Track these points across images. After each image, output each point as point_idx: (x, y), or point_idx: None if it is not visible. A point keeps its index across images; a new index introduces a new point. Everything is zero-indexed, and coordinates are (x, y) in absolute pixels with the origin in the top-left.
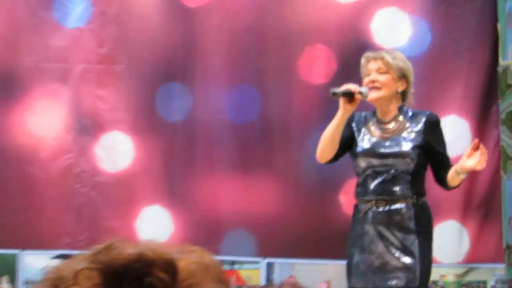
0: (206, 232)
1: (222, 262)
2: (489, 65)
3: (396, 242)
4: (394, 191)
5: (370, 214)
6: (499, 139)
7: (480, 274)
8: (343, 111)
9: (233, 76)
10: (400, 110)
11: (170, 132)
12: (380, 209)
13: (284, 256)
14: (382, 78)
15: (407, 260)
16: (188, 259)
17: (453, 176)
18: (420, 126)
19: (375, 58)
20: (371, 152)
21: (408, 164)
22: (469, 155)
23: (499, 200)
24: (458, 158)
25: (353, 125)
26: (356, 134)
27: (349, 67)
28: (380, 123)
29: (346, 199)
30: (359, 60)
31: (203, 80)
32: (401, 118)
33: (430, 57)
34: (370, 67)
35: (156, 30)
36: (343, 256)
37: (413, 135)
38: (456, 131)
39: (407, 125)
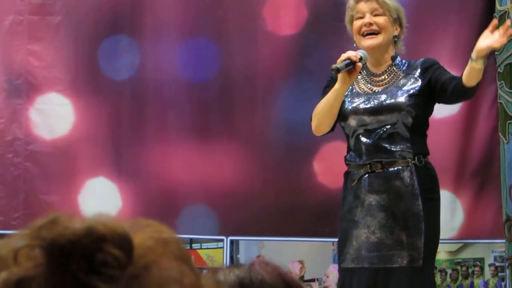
0: (159, 207)
1: None
2: (483, 12)
3: (397, 212)
4: (392, 151)
5: (365, 181)
6: (496, 96)
7: (476, 251)
8: (342, 83)
9: (187, 27)
10: (394, 59)
11: (116, 92)
12: (376, 173)
13: (250, 234)
14: (380, 20)
15: (410, 235)
16: (144, 234)
17: (468, 71)
18: (417, 72)
19: None
20: (362, 109)
21: (406, 118)
22: (486, 36)
23: (498, 166)
24: (448, 118)
25: None
26: None
27: (321, 15)
28: (371, 75)
29: (322, 167)
30: (332, 7)
31: (153, 32)
32: (395, 68)
33: (416, 3)
34: (362, 8)
35: None
36: (318, 233)
37: (409, 84)
38: None
39: (402, 75)
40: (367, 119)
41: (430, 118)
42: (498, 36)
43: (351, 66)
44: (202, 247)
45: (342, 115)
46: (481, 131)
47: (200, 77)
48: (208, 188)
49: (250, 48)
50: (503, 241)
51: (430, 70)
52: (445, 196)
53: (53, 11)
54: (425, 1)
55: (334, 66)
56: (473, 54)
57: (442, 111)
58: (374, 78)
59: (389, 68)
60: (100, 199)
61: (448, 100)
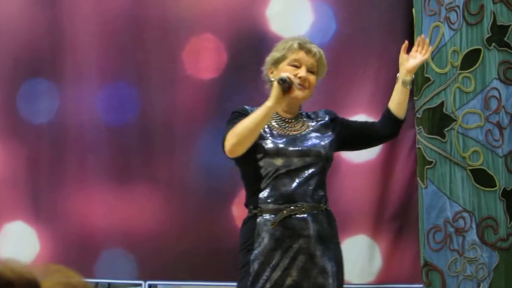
0: (78, 251)
1: (97, 285)
2: None
3: (316, 256)
4: (315, 194)
5: (286, 224)
6: (414, 141)
7: None
8: (276, 101)
9: (107, 72)
10: (299, 108)
11: (35, 136)
12: (297, 217)
13: (169, 278)
14: (311, 78)
15: (326, 278)
16: (53, 280)
17: (399, 98)
18: (324, 121)
19: (314, 55)
20: (291, 150)
21: (325, 162)
22: (407, 58)
23: (416, 211)
24: (366, 163)
25: None
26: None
27: (241, 59)
28: (283, 121)
29: (240, 212)
30: (253, 52)
31: (72, 76)
32: (302, 116)
33: (334, 48)
34: (301, 59)
35: (17, 17)
36: (236, 278)
37: (325, 130)
38: None
39: (311, 122)
40: (294, 159)
41: (349, 162)
42: (422, 50)
43: (290, 86)
44: None
45: (265, 153)
46: (399, 176)
47: (120, 121)
48: (127, 232)
49: (170, 92)
50: (421, 286)
51: (338, 120)
52: (364, 241)
53: None
54: (345, 44)
55: (282, 76)
56: (405, 76)
57: (361, 156)
58: (287, 124)
59: (298, 115)
60: (17, 243)
61: (381, 137)
